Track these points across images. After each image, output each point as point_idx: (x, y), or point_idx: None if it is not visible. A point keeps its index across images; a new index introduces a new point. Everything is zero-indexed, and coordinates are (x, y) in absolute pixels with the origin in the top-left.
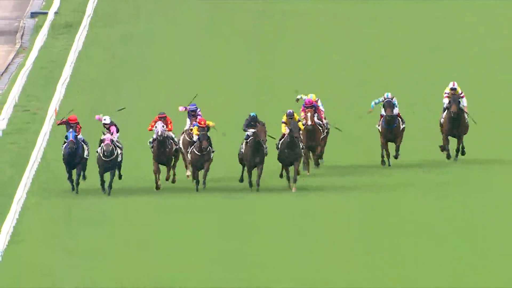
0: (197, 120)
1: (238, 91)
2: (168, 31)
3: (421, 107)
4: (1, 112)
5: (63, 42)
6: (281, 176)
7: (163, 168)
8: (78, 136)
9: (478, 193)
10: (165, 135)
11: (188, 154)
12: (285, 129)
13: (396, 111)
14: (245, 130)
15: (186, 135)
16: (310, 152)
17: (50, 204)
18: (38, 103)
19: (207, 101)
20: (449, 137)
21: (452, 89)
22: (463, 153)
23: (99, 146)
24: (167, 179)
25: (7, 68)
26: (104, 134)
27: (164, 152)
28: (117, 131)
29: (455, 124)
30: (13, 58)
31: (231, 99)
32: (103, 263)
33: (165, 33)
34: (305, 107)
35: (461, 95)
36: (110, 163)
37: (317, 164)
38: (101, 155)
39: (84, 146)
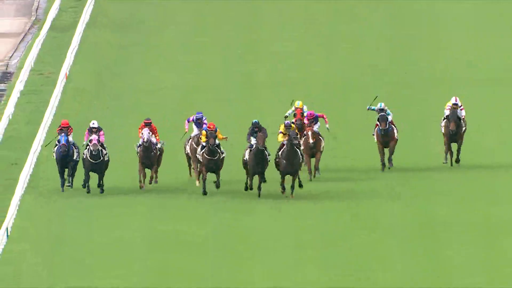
0: (207, 125)
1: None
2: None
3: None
4: (19, 76)
5: (72, 14)
6: (282, 188)
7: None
8: (70, 140)
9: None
10: (150, 141)
11: (200, 158)
12: (281, 139)
13: (390, 118)
14: (248, 141)
15: (193, 142)
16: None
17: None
18: (50, 68)
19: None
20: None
21: (454, 104)
22: (457, 161)
23: (86, 148)
24: (150, 183)
25: (24, 37)
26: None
27: (149, 157)
28: (103, 134)
29: (452, 136)
30: (29, 29)
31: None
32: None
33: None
34: (307, 119)
35: (461, 107)
36: (97, 165)
37: (317, 169)
38: (88, 156)
39: (74, 149)
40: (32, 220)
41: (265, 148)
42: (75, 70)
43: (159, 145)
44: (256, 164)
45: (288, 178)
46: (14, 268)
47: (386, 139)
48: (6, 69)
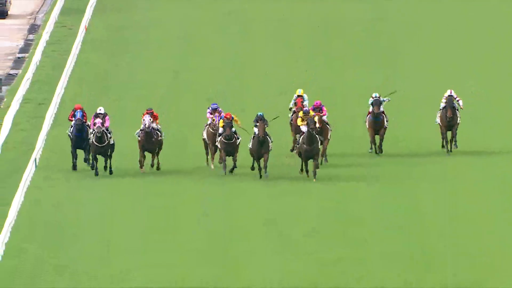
0: (223, 114)
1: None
2: None
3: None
4: (45, 28)
5: None
6: (301, 170)
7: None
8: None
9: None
10: (151, 127)
11: (218, 143)
12: (300, 123)
13: (381, 109)
14: (255, 126)
15: (210, 128)
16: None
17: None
18: (72, 21)
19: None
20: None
21: (449, 95)
22: (455, 146)
23: (91, 132)
24: (152, 166)
25: None
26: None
27: (150, 142)
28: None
29: (449, 123)
30: None
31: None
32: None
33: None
34: (313, 108)
35: (457, 99)
36: (103, 149)
37: (324, 156)
38: (94, 140)
39: (89, 130)
40: (56, 152)
41: (266, 135)
42: (93, 23)
43: (162, 134)
44: (258, 149)
45: (310, 162)
46: (44, 194)
47: (377, 126)
48: (34, 21)
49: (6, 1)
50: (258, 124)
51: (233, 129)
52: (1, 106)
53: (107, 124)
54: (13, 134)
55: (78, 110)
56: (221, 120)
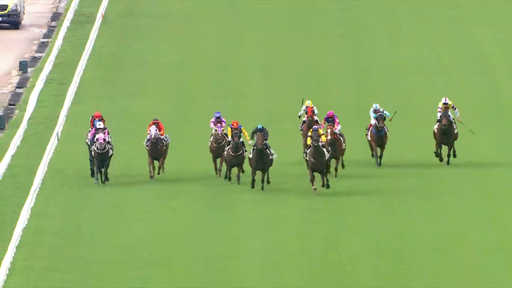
0: (231, 123)
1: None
2: None
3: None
4: (66, 15)
5: None
6: (312, 184)
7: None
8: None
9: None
10: (157, 137)
11: (225, 154)
12: (310, 142)
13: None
14: (252, 138)
15: (213, 141)
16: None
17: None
18: (90, 9)
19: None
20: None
21: (444, 103)
22: (454, 156)
23: (93, 144)
24: (158, 173)
25: None
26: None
27: (156, 150)
28: (108, 133)
29: (446, 135)
30: None
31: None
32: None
33: None
34: (326, 119)
35: (453, 108)
36: (101, 156)
37: (341, 167)
38: (95, 148)
39: (109, 145)
40: (76, 126)
41: (266, 146)
42: (109, 11)
43: (167, 140)
44: (257, 162)
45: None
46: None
47: (380, 139)
48: (56, 10)
49: (20, 11)
50: (256, 134)
51: (241, 139)
52: (27, 86)
53: (107, 136)
54: (38, 110)
55: (97, 119)
56: (229, 129)
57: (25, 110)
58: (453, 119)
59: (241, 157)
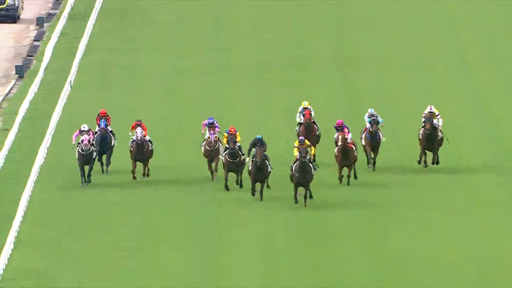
0: (229, 129)
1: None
2: None
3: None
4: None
5: None
6: (295, 198)
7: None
8: (108, 128)
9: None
10: (143, 139)
11: (223, 159)
12: (296, 153)
13: (380, 122)
14: (249, 151)
15: (207, 145)
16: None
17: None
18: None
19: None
20: (426, 150)
21: (429, 112)
22: (437, 163)
23: (78, 146)
24: (143, 175)
25: None
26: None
27: (141, 152)
28: (93, 134)
29: (430, 140)
30: None
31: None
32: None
33: None
34: (336, 128)
35: (437, 116)
36: (86, 157)
37: (349, 176)
38: (80, 150)
39: (112, 136)
40: (88, 75)
41: (265, 157)
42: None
43: (152, 145)
44: (257, 173)
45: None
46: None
47: (374, 143)
48: None
49: (18, 6)
50: (256, 148)
51: (238, 144)
52: (43, 39)
53: (91, 137)
54: (53, 60)
55: (103, 119)
56: (225, 134)
57: (41, 60)
58: (438, 125)
59: (238, 163)
